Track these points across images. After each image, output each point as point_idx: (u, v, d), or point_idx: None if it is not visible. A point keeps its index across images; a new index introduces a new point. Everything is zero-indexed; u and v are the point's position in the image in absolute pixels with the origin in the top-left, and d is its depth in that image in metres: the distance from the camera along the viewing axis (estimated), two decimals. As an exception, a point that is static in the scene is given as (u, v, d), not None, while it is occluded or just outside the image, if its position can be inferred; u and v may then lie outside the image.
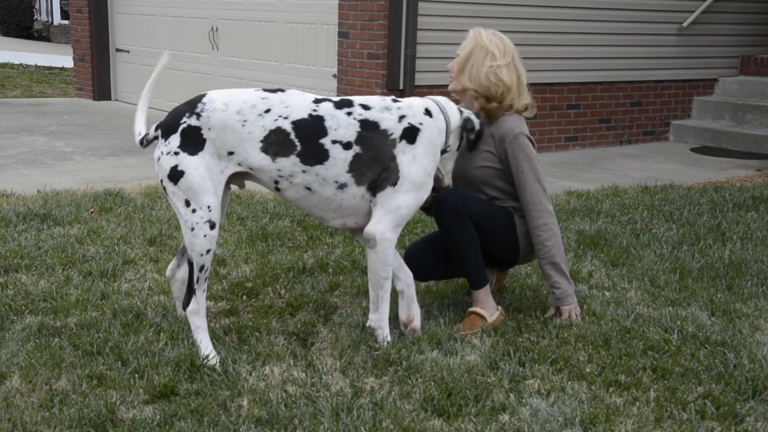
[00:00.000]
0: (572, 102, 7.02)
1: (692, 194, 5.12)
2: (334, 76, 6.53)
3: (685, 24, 7.40)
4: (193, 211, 2.61)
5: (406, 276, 2.84)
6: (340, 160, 2.63)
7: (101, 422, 2.23)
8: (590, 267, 3.66)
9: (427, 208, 2.92)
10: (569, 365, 2.64)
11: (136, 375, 2.49)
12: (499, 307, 3.01)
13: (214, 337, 2.78)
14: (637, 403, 2.40)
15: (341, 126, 2.64)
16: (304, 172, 2.63)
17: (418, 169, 2.67)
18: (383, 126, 2.66)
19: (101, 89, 9.33)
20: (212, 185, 2.61)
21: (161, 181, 2.65)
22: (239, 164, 2.64)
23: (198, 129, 2.60)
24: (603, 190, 5.29)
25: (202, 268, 2.65)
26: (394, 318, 2.98)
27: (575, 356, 2.69)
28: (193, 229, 2.62)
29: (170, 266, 2.91)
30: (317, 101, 2.67)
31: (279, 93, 2.66)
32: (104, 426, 2.22)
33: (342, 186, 2.66)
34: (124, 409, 2.31)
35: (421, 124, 2.69)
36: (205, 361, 2.57)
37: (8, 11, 22.24)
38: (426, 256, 3.10)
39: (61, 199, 4.57)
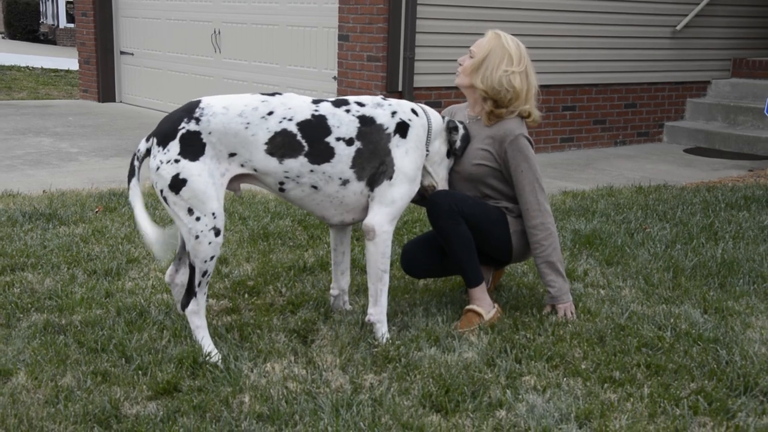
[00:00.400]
0: (568, 104, 7.07)
1: (685, 194, 5.15)
2: (335, 78, 6.57)
3: (678, 27, 7.46)
4: (197, 219, 2.57)
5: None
6: (344, 156, 2.69)
7: (105, 418, 2.25)
8: (585, 265, 3.69)
9: (418, 201, 3.01)
10: (565, 362, 2.66)
11: (140, 372, 2.51)
12: (496, 305, 3.03)
13: (216, 335, 2.80)
14: (631, 399, 2.42)
15: (343, 123, 2.70)
16: (311, 171, 2.67)
17: (411, 162, 2.77)
18: (379, 121, 2.74)
19: (106, 91, 9.38)
20: (215, 191, 2.57)
21: (161, 191, 2.58)
22: (242, 165, 2.63)
23: (197, 134, 2.56)
24: (598, 190, 5.31)
25: (204, 273, 2.63)
26: (392, 315, 3.02)
27: (571, 353, 2.72)
28: (197, 237, 2.58)
29: (168, 272, 2.88)
30: (316, 102, 2.73)
31: (277, 96, 2.69)
32: (108, 422, 2.23)
33: (345, 182, 2.72)
34: (127, 405, 2.33)
35: (410, 120, 2.79)
36: (208, 358, 2.59)
37: (15, 15, 22.25)
38: (422, 254, 3.12)
39: (67, 199, 4.59)
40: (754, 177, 5.94)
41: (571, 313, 3.04)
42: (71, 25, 20.52)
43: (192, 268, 2.64)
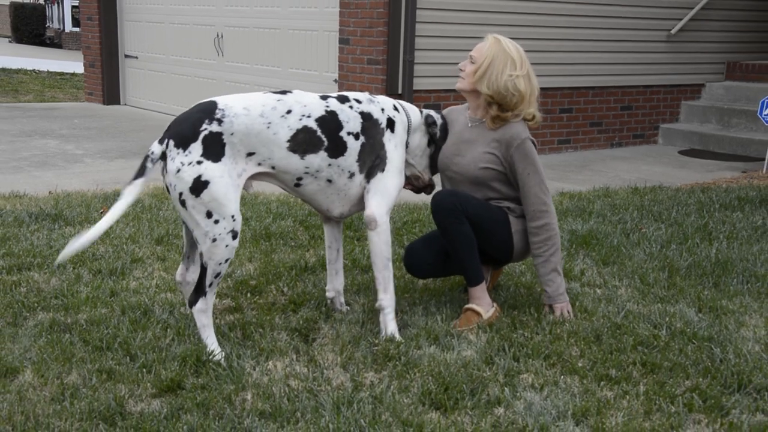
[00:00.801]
0: (565, 106, 7.11)
1: (680, 195, 5.18)
2: (335, 81, 6.60)
3: (673, 31, 7.51)
4: (216, 222, 2.54)
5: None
6: (353, 150, 2.78)
7: (110, 415, 2.26)
8: (582, 265, 3.71)
9: (417, 191, 3.17)
10: (562, 360, 2.68)
11: (144, 370, 2.53)
12: (495, 304, 3.06)
13: (219, 333, 2.82)
14: (627, 397, 2.44)
15: (350, 119, 2.78)
16: (329, 165, 2.75)
17: (400, 155, 2.91)
18: (375, 116, 2.84)
19: (111, 94, 9.43)
20: (234, 192, 2.56)
21: (179, 194, 2.51)
22: (259, 164, 2.64)
23: (220, 135, 2.54)
24: (594, 191, 5.34)
25: (217, 275, 2.63)
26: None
27: (568, 351, 2.74)
28: (215, 240, 2.56)
29: (179, 272, 2.85)
30: (323, 98, 2.80)
31: (288, 94, 2.73)
32: (113, 419, 2.25)
33: (352, 175, 2.80)
34: (132, 403, 2.35)
35: (394, 116, 2.90)
36: (211, 356, 2.61)
37: (21, 19, 22.31)
38: (424, 254, 3.14)
39: (72, 200, 4.61)
40: (748, 178, 5.99)
41: (568, 312, 3.07)
42: (77, 29, 20.60)
43: (204, 269, 2.62)
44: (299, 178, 2.74)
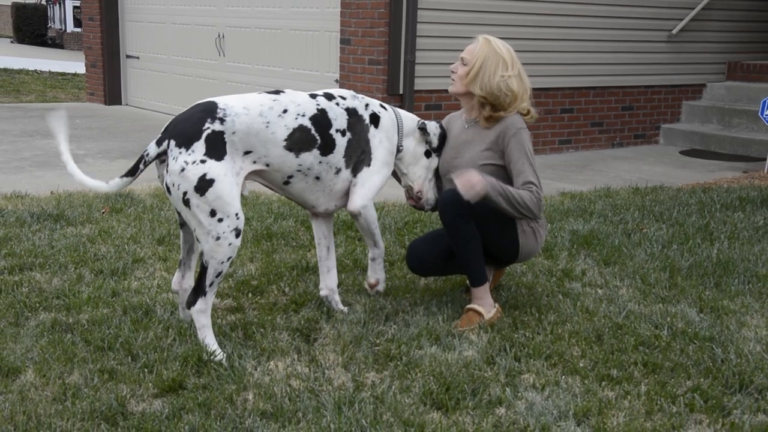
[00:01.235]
0: (566, 106, 7.11)
1: (681, 195, 5.18)
2: (336, 81, 6.61)
3: (674, 31, 7.51)
4: (220, 220, 2.56)
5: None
6: (341, 146, 2.84)
7: (112, 415, 2.27)
8: (583, 265, 3.72)
9: (414, 206, 3.19)
10: (563, 360, 2.69)
11: (146, 370, 2.54)
12: (496, 305, 3.06)
13: (221, 333, 2.82)
14: (629, 397, 2.45)
15: (338, 116, 2.84)
16: (320, 163, 2.80)
17: (384, 150, 2.97)
18: (359, 112, 2.90)
19: (112, 94, 9.45)
20: (237, 190, 2.60)
21: (183, 194, 2.52)
22: (254, 162, 2.68)
23: (222, 134, 2.58)
24: (595, 191, 5.34)
25: (219, 274, 2.64)
26: (394, 313, 3.06)
27: (569, 351, 2.75)
28: (218, 238, 2.57)
29: (175, 280, 2.86)
30: (312, 96, 2.85)
31: (282, 93, 2.78)
32: (115, 419, 2.26)
33: (338, 171, 2.87)
34: (134, 403, 2.36)
35: (380, 112, 2.99)
36: (212, 356, 2.61)
37: (23, 20, 22.39)
38: (428, 252, 3.15)
39: (74, 200, 4.62)
40: (749, 178, 5.99)
41: (470, 184, 2.81)
42: (78, 30, 20.66)
43: (204, 268, 2.63)
44: (290, 176, 2.79)
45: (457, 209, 2.91)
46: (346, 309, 3.12)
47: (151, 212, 4.44)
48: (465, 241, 2.95)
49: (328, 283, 3.12)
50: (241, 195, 2.68)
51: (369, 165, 2.92)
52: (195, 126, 2.57)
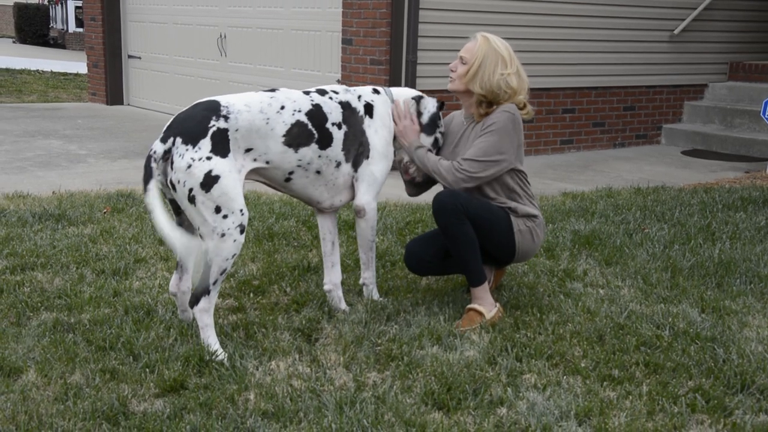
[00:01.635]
0: (568, 106, 7.11)
1: (683, 195, 5.18)
2: (338, 81, 6.61)
3: (676, 31, 7.51)
4: (224, 217, 2.58)
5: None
6: (338, 140, 2.88)
7: (114, 415, 2.28)
8: (585, 266, 3.72)
9: (407, 181, 3.22)
10: (565, 360, 2.69)
11: (147, 369, 2.54)
12: (497, 304, 3.06)
13: (222, 333, 2.83)
14: (630, 397, 2.45)
15: (333, 110, 2.88)
16: (319, 157, 2.84)
17: (381, 139, 3.01)
18: (353, 105, 2.95)
19: (114, 94, 9.47)
20: (240, 187, 2.64)
21: (189, 190, 2.52)
22: (254, 160, 2.71)
23: (226, 131, 2.62)
24: (597, 191, 5.34)
25: (223, 272, 2.65)
26: (395, 313, 3.06)
27: (570, 352, 2.75)
28: (223, 235, 2.59)
29: (172, 282, 2.86)
30: (306, 93, 2.90)
31: (277, 91, 2.83)
32: (116, 418, 2.26)
33: (338, 164, 2.91)
34: (135, 402, 2.37)
35: (372, 100, 3.02)
36: (214, 356, 2.61)
37: (25, 20, 22.44)
38: (425, 252, 3.15)
39: (75, 200, 4.63)
40: (751, 179, 5.99)
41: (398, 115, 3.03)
42: (80, 30, 20.69)
43: (208, 267, 2.63)
44: (291, 173, 2.82)
45: (451, 211, 2.92)
46: (347, 308, 3.12)
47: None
48: (461, 242, 2.95)
49: (333, 278, 3.13)
50: None
51: (368, 157, 2.97)
52: (200, 123, 2.60)
